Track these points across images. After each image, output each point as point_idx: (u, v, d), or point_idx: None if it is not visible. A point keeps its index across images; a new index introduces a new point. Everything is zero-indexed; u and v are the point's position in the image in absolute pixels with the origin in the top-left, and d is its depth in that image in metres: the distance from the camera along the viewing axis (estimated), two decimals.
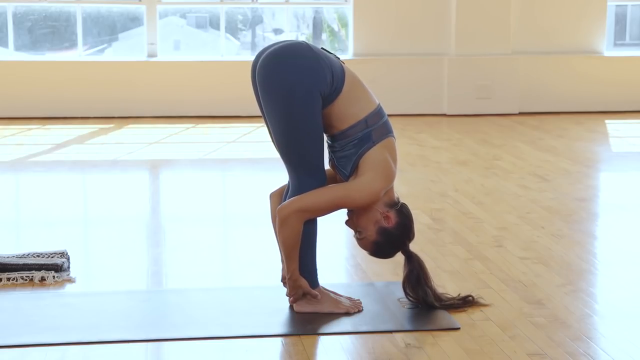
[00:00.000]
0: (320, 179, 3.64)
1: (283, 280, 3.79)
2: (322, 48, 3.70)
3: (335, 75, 3.61)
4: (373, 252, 3.77)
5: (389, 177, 3.64)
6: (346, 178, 3.68)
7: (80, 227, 5.35)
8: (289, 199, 3.67)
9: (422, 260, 3.77)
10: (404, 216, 3.72)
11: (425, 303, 3.75)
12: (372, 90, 3.78)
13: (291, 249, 3.63)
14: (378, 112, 3.69)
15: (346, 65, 3.71)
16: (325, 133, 3.68)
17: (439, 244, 4.72)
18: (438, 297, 3.77)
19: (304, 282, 3.70)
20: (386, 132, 3.67)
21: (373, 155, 3.62)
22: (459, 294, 3.85)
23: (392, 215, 3.69)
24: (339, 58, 3.72)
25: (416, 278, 3.74)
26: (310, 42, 7.93)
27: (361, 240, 3.74)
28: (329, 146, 3.73)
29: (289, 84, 3.55)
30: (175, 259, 4.56)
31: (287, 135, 3.60)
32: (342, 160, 3.67)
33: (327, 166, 3.75)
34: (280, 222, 3.60)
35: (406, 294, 3.79)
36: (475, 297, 3.83)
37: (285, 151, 3.64)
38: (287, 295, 3.78)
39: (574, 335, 3.51)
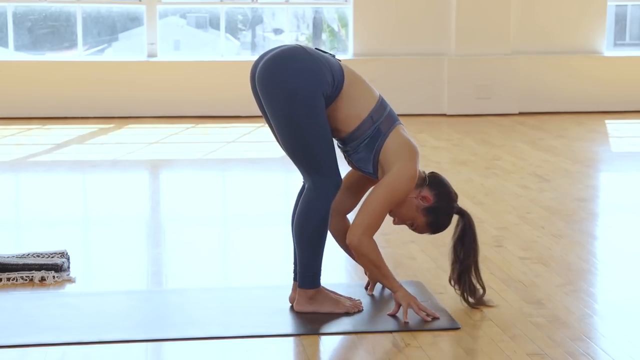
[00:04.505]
0: (334, 179, 3.63)
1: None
2: (316, 49, 3.71)
3: (335, 74, 3.61)
4: (432, 231, 3.80)
5: (416, 155, 3.67)
6: (373, 176, 3.70)
7: (80, 227, 5.35)
8: (302, 201, 3.65)
9: (472, 218, 3.79)
10: (437, 185, 3.74)
11: (465, 269, 3.74)
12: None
13: (380, 265, 3.67)
14: (381, 105, 3.70)
15: (344, 63, 3.71)
16: (334, 137, 3.68)
17: (439, 244, 4.71)
18: (479, 276, 3.78)
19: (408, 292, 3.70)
20: (393, 121, 3.71)
21: (391, 146, 3.64)
22: (483, 291, 3.83)
23: (426, 192, 3.71)
24: (334, 56, 3.72)
25: (471, 236, 3.74)
26: (310, 42, 7.86)
27: (416, 229, 3.78)
28: (343, 150, 3.74)
29: (291, 88, 3.55)
30: (175, 259, 4.56)
31: (294, 139, 3.59)
32: (360, 162, 3.70)
33: (342, 165, 3.75)
34: (359, 253, 3.65)
35: (455, 252, 3.76)
36: (483, 296, 3.82)
37: (295, 155, 3.63)
38: (391, 314, 3.71)
39: (574, 335, 3.51)
